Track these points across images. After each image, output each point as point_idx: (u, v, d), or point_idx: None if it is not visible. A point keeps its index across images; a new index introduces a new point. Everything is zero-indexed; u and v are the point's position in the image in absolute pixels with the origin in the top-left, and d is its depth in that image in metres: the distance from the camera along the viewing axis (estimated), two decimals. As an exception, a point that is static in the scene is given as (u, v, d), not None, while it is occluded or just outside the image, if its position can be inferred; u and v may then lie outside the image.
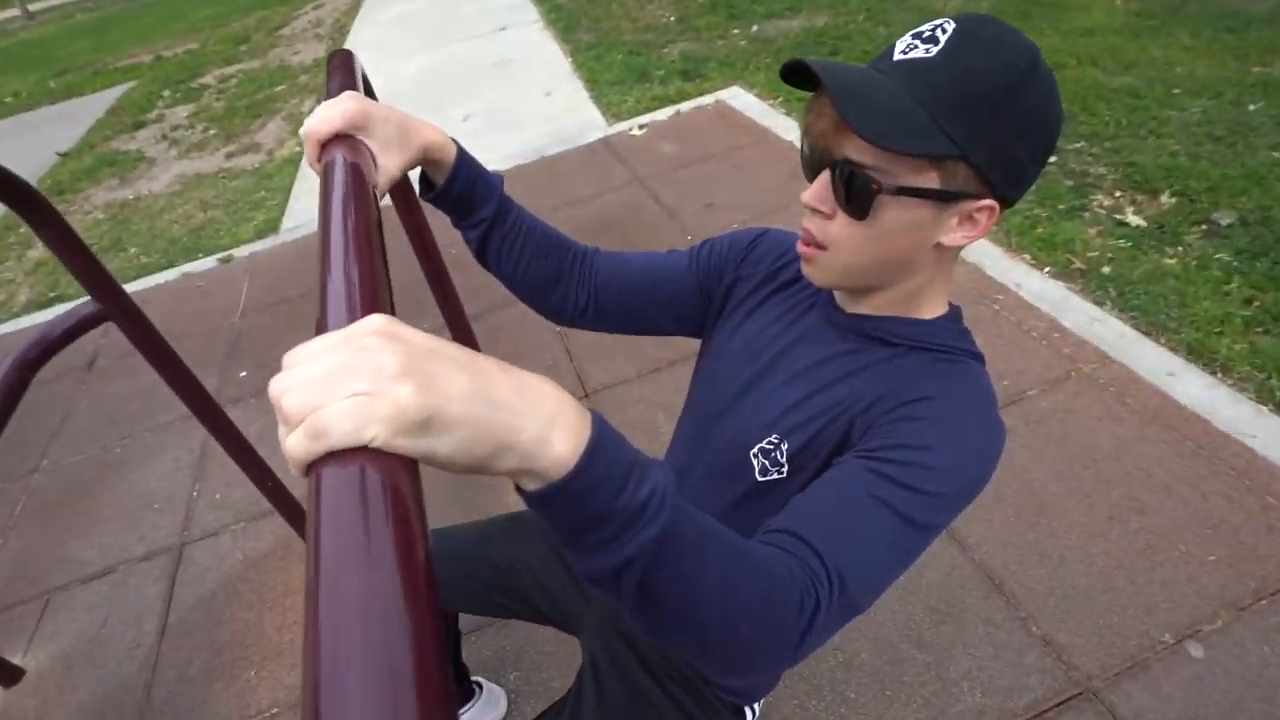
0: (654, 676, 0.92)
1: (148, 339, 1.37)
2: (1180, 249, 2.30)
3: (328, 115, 0.66)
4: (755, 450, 0.73)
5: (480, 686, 1.45)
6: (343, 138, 0.66)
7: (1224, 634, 1.40)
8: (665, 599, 0.44)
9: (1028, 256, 2.41)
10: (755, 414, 0.75)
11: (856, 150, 0.58)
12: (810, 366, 0.73)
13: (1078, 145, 2.89)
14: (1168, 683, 1.35)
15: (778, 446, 0.71)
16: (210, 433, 1.56)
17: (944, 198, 0.59)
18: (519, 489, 0.40)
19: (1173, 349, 1.97)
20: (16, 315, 3.48)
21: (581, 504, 0.39)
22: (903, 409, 0.63)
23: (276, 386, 0.33)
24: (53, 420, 2.65)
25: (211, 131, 5.35)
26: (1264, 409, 1.77)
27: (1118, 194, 2.60)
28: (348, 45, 6.39)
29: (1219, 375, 1.88)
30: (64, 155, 5.55)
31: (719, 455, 0.79)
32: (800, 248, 0.68)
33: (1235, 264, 2.17)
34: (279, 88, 5.91)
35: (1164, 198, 2.51)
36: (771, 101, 3.71)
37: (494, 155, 3.76)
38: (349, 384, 0.32)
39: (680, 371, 2.21)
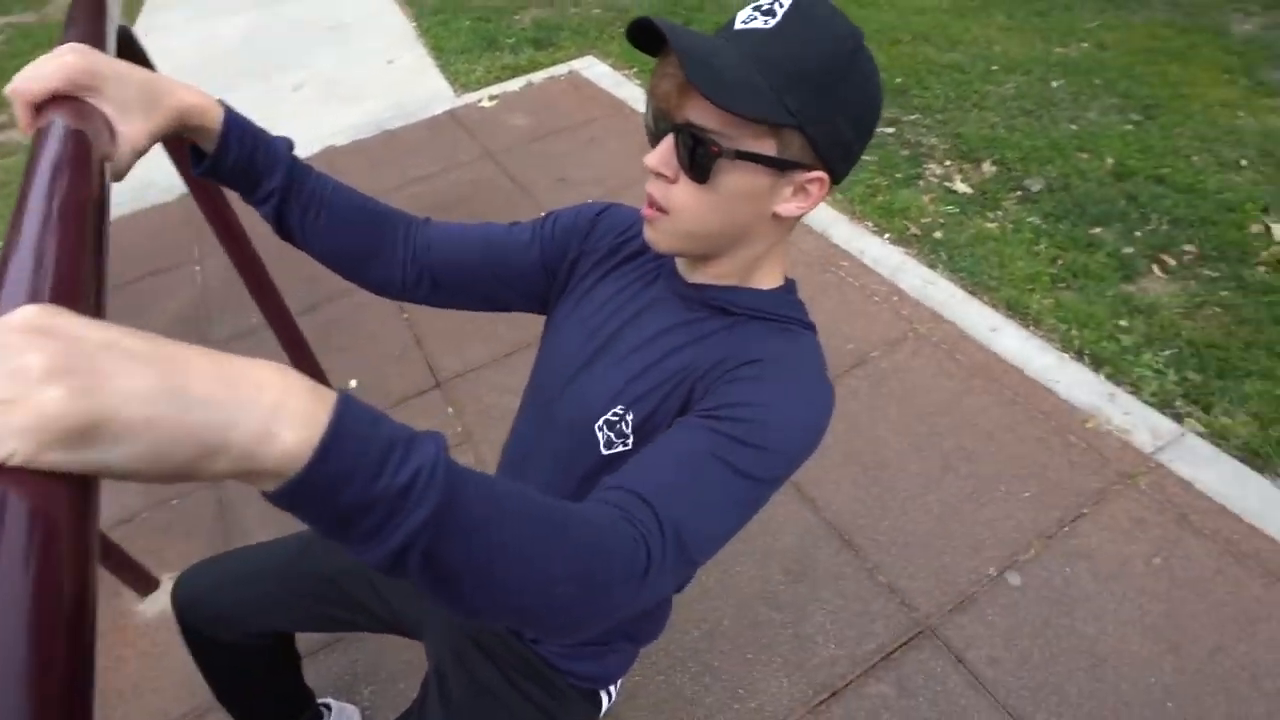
0: (501, 672, 0.90)
1: None
2: (1000, 213, 2.56)
3: (40, 71, 0.56)
4: (600, 423, 0.74)
5: (329, 708, 1.37)
6: (65, 100, 0.57)
7: (1035, 562, 1.60)
8: (460, 574, 0.43)
9: (870, 224, 2.59)
10: (599, 386, 0.75)
11: (699, 114, 0.60)
12: (653, 336, 0.75)
13: (913, 117, 3.13)
14: (991, 611, 1.53)
15: (623, 418, 0.73)
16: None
17: (780, 166, 0.62)
18: (262, 492, 0.37)
19: (994, 306, 2.20)
20: None
21: (330, 498, 0.37)
22: (738, 370, 0.66)
23: None
24: None
25: (-26, 101, 4.61)
26: (1066, 357, 2.02)
27: (947, 163, 2.85)
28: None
29: (1031, 329, 2.11)
30: None
31: (563, 433, 0.79)
32: (644, 211, 0.69)
33: (1043, 226, 2.45)
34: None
35: (985, 166, 2.78)
36: (626, 72, 3.72)
37: (330, 128, 3.51)
38: None
39: (539, 354, 2.19)
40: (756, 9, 0.61)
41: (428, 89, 3.86)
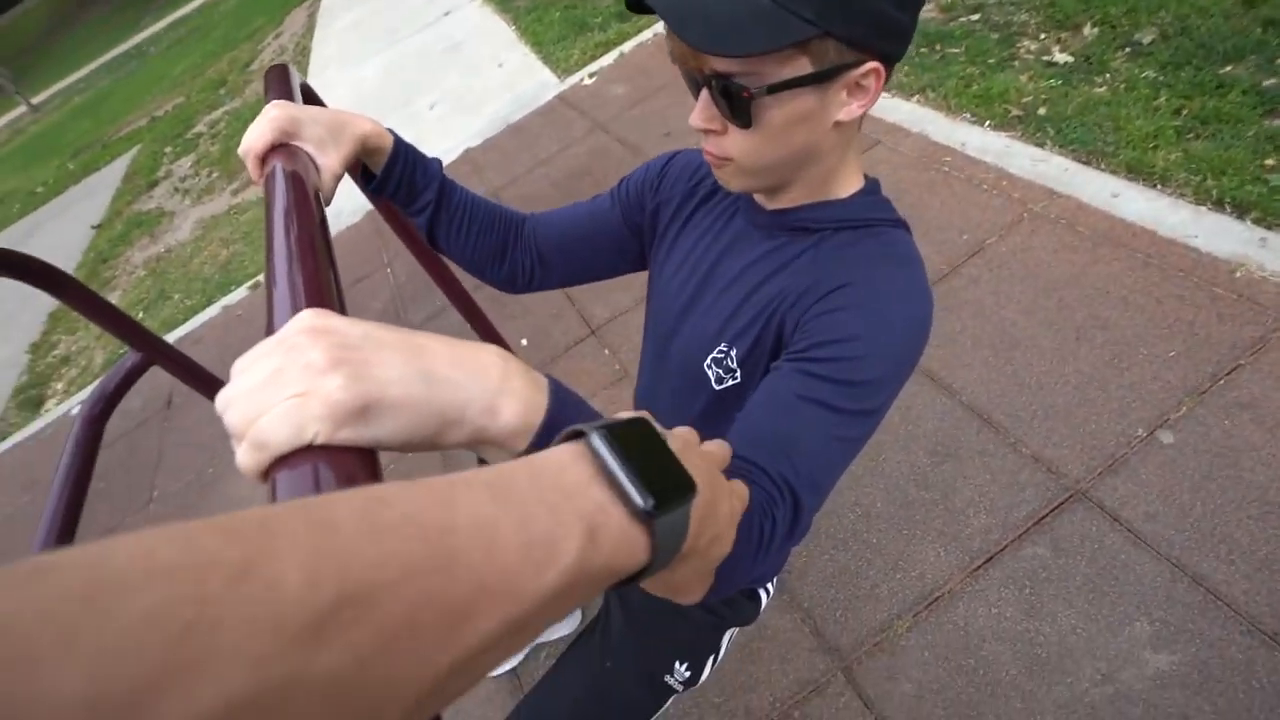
0: None
1: (192, 371, 1.35)
2: (1108, 76, 2.13)
3: (258, 131, 0.60)
4: (708, 361, 0.69)
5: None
6: (279, 148, 0.61)
7: (1189, 418, 1.37)
8: None
9: (968, 115, 2.25)
10: (701, 327, 0.71)
11: (720, 62, 0.51)
12: (742, 271, 0.68)
13: (998, -3, 2.65)
14: (1145, 470, 1.34)
15: (728, 354, 0.67)
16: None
17: (821, 79, 0.51)
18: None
19: (1113, 171, 1.85)
20: (97, 375, 3.49)
21: None
22: (824, 301, 0.58)
23: (220, 402, 0.30)
24: (150, 456, 2.69)
25: (214, 175, 5.16)
26: (1202, 209, 1.67)
27: (1042, 36, 2.40)
28: (312, 63, 6.05)
29: (1159, 188, 1.77)
30: (97, 227, 5.42)
31: (677, 374, 0.75)
32: (708, 159, 0.61)
33: (1161, 79, 2.01)
34: (262, 119, 5.63)
35: (1086, 30, 2.31)
36: (704, 24, 3.44)
37: (465, 134, 3.58)
38: (283, 387, 0.29)
39: (671, 294, 2.15)
40: None
41: (536, 80, 3.81)
